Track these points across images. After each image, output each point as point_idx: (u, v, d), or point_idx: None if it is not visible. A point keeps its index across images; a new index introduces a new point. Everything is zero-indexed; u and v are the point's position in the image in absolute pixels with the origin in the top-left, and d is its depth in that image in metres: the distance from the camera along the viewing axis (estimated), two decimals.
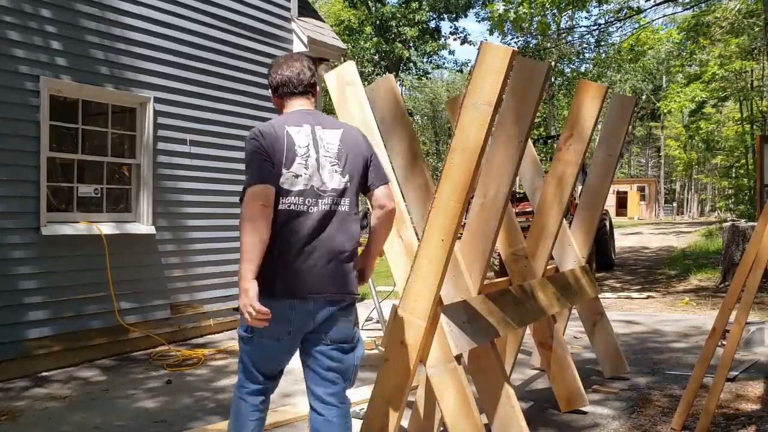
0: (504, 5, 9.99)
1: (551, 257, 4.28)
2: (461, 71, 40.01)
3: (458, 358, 2.83)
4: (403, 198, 3.10)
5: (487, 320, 3.06)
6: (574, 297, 4.26)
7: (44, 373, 5.34)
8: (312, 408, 2.69)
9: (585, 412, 4.01)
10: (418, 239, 2.85)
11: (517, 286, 3.66)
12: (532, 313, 3.59)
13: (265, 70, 7.77)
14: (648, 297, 9.33)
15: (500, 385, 3.07)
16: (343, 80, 3.20)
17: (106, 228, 5.87)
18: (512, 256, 3.92)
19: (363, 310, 6.63)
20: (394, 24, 30.05)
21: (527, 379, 4.90)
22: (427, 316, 2.73)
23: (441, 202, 2.66)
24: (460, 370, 2.80)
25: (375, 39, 30.06)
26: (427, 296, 2.71)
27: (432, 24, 32.18)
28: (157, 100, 6.41)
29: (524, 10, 9.84)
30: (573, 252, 4.60)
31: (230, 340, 6.43)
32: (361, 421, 2.91)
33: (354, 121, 3.03)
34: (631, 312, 7.99)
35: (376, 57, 31.22)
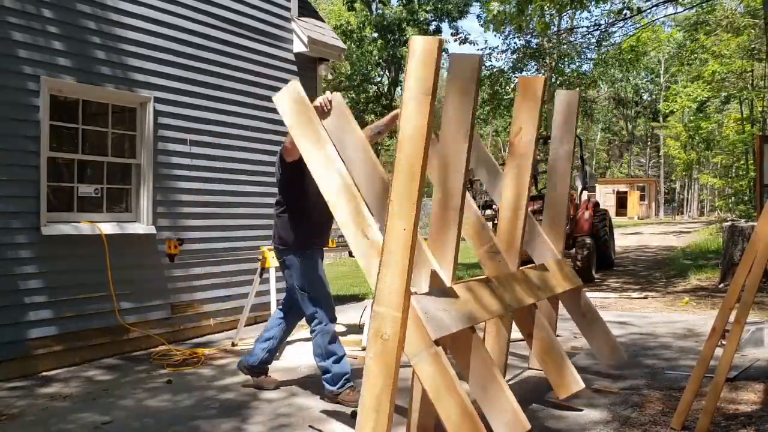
0: (499, 5, 9.97)
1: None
2: None
3: (438, 343, 2.88)
4: (366, 203, 3.20)
5: (464, 307, 3.14)
6: (554, 287, 4.33)
7: (45, 373, 5.35)
8: None
9: (581, 410, 4.02)
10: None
11: (494, 277, 3.75)
12: (512, 301, 3.68)
13: (265, 70, 7.84)
14: (648, 297, 9.33)
15: (487, 368, 3.11)
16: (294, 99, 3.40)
17: (106, 228, 5.88)
18: (486, 253, 4.01)
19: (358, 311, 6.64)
20: (396, 27, 30.05)
21: (525, 379, 4.91)
22: (402, 306, 2.81)
23: (398, 193, 2.78)
24: (442, 354, 2.86)
25: (380, 42, 30.07)
26: (399, 286, 2.80)
27: (433, 25, 32.17)
28: (157, 99, 6.41)
29: (522, 9, 9.82)
30: (546, 246, 4.68)
31: (230, 340, 6.44)
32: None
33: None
34: (631, 312, 7.99)
35: (380, 60, 31.22)
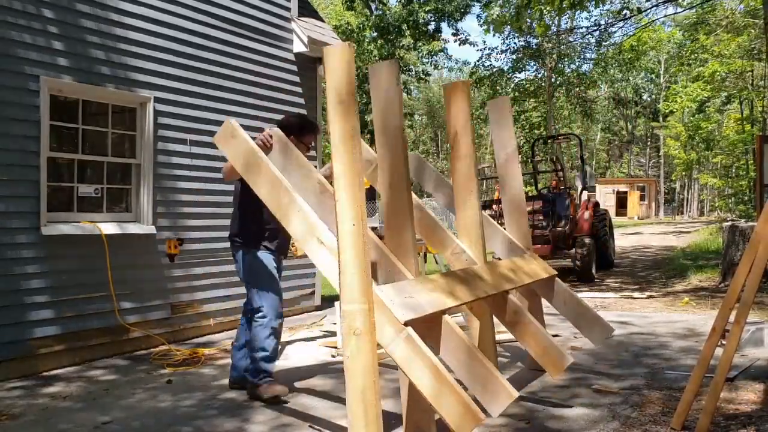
0: (499, 9, 10.02)
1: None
2: (461, 70, 40.09)
3: (408, 325, 3.00)
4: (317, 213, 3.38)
5: (431, 294, 3.28)
6: (524, 278, 4.45)
7: (45, 373, 5.35)
8: None
9: (570, 406, 4.02)
10: None
11: (460, 270, 3.92)
12: (482, 289, 3.81)
13: (265, 70, 7.84)
14: (648, 297, 9.33)
15: (464, 346, 3.21)
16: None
17: (106, 228, 5.88)
18: (452, 255, 4.19)
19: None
20: (395, 27, 30.04)
21: (524, 385, 4.91)
22: (367, 296, 2.95)
23: (341, 194, 2.97)
24: (414, 335, 2.96)
25: (380, 42, 30.06)
26: (360, 279, 2.93)
27: (432, 26, 32.17)
28: (157, 100, 6.42)
29: (521, 12, 9.82)
30: (512, 244, 4.88)
31: (230, 340, 6.43)
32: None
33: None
34: (631, 312, 7.99)
35: (379, 60, 31.23)
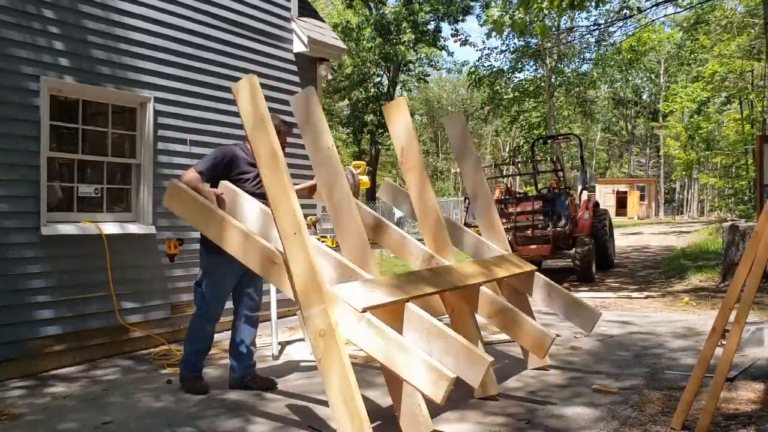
0: (499, 10, 9.99)
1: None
2: (460, 71, 40.07)
3: (367, 311, 3.15)
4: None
5: (391, 288, 3.48)
6: (499, 271, 4.62)
7: (45, 373, 5.35)
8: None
9: (570, 405, 4.02)
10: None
11: (425, 269, 4.14)
12: (449, 282, 4.00)
13: (265, 70, 7.84)
14: (647, 297, 9.33)
15: (426, 323, 3.32)
16: None
17: (106, 228, 5.88)
18: (423, 263, 4.41)
19: None
20: (394, 26, 30.02)
21: (523, 384, 4.91)
22: (322, 297, 3.11)
23: (277, 206, 3.22)
24: (375, 319, 3.11)
25: (378, 40, 30.03)
26: (311, 282, 3.13)
27: (431, 26, 32.16)
28: (157, 100, 6.42)
29: (520, 15, 9.80)
30: (485, 245, 5.08)
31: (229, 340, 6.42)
32: None
33: None
34: (631, 312, 7.99)
35: (378, 58, 31.20)
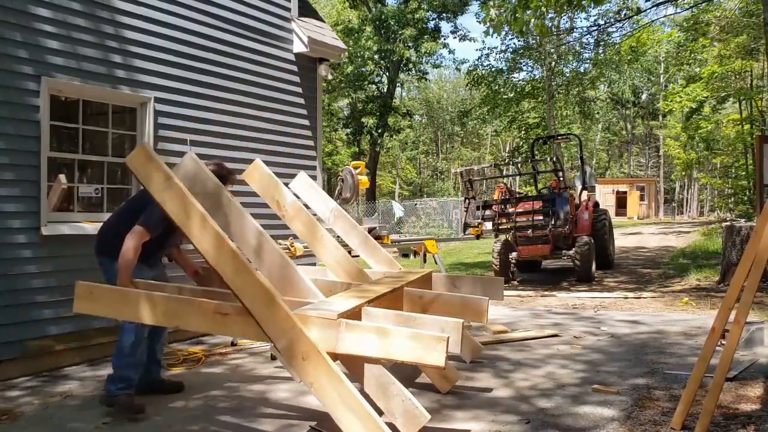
0: (496, 11, 9.94)
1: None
2: (458, 69, 40.05)
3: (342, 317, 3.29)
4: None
5: (344, 300, 3.66)
6: (406, 276, 4.85)
7: (45, 373, 5.36)
8: None
9: (570, 405, 4.03)
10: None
11: (354, 288, 4.30)
12: (380, 290, 4.13)
13: (265, 71, 7.82)
14: (647, 297, 9.33)
15: (398, 318, 3.53)
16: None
17: None
18: (350, 287, 4.46)
19: None
20: (393, 23, 30.04)
21: (523, 390, 4.92)
22: (292, 321, 3.13)
23: (216, 258, 3.25)
24: (352, 321, 3.24)
25: (376, 38, 30.04)
26: (278, 313, 3.13)
27: (431, 24, 32.19)
28: (157, 100, 6.42)
29: (518, 15, 9.78)
30: (382, 262, 5.31)
31: (230, 339, 6.44)
32: None
33: None
34: (630, 312, 8.00)
35: (377, 57, 31.22)
